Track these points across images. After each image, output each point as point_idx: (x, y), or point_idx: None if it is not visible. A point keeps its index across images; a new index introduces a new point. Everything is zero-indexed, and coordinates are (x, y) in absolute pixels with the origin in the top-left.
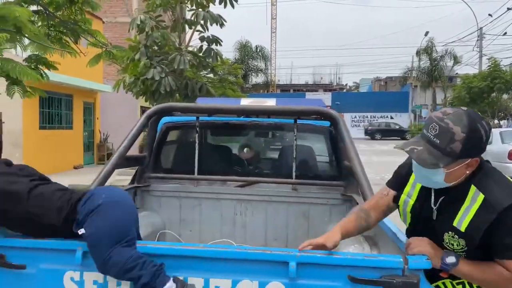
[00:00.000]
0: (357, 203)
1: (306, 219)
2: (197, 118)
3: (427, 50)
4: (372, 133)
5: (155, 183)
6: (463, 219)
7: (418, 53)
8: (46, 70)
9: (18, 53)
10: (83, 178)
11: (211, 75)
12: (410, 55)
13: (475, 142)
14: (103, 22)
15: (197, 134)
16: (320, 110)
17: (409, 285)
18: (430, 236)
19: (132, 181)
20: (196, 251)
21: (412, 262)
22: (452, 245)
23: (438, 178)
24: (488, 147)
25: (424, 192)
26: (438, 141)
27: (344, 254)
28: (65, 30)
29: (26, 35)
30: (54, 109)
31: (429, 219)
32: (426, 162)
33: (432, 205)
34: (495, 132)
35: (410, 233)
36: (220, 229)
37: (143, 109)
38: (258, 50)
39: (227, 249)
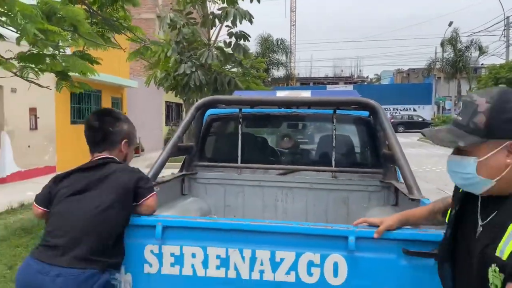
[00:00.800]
0: (396, 189)
1: (346, 205)
2: (240, 109)
3: (452, 41)
4: (394, 126)
5: (201, 171)
6: (506, 244)
7: (442, 44)
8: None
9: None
10: None
11: (235, 70)
12: (432, 46)
13: (508, 116)
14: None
15: (240, 125)
16: (361, 100)
17: None
18: (467, 272)
19: (181, 169)
20: (263, 226)
21: None
22: (496, 286)
23: (470, 169)
24: None
25: (467, 200)
26: (460, 118)
27: (400, 229)
28: (106, 27)
29: (81, 34)
30: (84, 104)
31: (467, 241)
32: (443, 140)
33: (478, 220)
34: None
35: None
36: (262, 215)
37: (168, 104)
38: (279, 43)
39: (292, 224)
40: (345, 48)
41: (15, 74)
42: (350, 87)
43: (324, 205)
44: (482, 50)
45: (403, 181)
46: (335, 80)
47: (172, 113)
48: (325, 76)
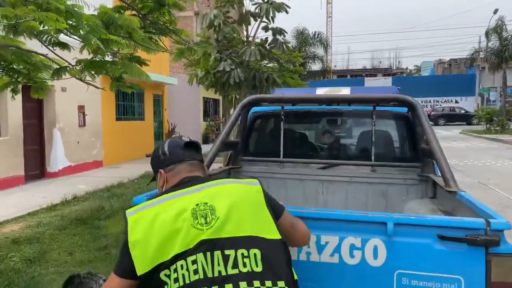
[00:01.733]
0: (434, 182)
1: (384, 198)
2: (282, 107)
3: (497, 29)
4: (435, 119)
5: (246, 165)
6: None
7: (487, 33)
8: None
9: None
10: None
11: (270, 65)
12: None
13: None
14: None
15: (282, 122)
16: (399, 97)
17: (491, 243)
18: None
19: (227, 164)
20: (309, 213)
21: (494, 224)
22: None
23: None
24: None
25: None
26: None
27: (434, 216)
28: (153, 30)
29: (136, 40)
30: (128, 101)
31: None
32: None
33: None
34: None
35: None
36: (304, 206)
37: (205, 100)
38: (315, 36)
39: (335, 212)
40: (383, 39)
41: (76, 78)
42: (388, 79)
43: (363, 197)
44: None
45: (440, 175)
46: (373, 72)
47: (210, 108)
48: (363, 68)
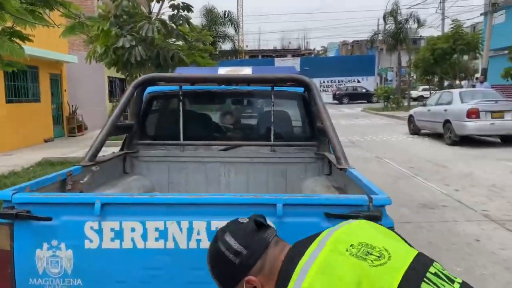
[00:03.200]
0: (329, 160)
1: (284, 177)
2: (180, 87)
3: (393, 13)
4: (340, 98)
5: (143, 150)
6: None
7: (384, 16)
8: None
9: None
10: (54, 151)
11: (179, 43)
12: (376, 18)
13: None
14: None
15: (180, 102)
16: (295, 77)
17: (373, 218)
18: None
19: (122, 148)
20: (199, 199)
21: (375, 200)
22: None
23: None
24: (449, 107)
25: None
26: None
27: (320, 195)
28: (37, 2)
29: (8, 11)
30: (20, 81)
31: None
32: None
33: None
34: (455, 92)
35: None
36: (206, 189)
37: (111, 79)
38: (226, 16)
39: (226, 196)
40: (292, 20)
41: None
42: (297, 60)
43: (264, 177)
44: (420, 23)
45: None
46: (284, 52)
47: (116, 88)
48: (273, 48)
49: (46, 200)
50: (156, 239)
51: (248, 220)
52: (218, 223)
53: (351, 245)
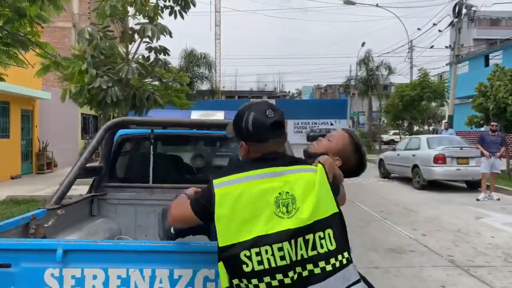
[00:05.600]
0: None
1: None
2: (152, 131)
3: (365, 60)
4: (313, 139)
5: (112, 192)
6: None
7: (359, 63)
8: None
9: None
10: (21, 189)
11: (156, 83)
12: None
13: None
14: (42, 27)
15: (151, 146)
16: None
17: None
18: None
19: (90, 190)
20: (162, 247)
21: None
22: None
23: None
24: (417, 152)
25: None
26: None
27: None
28: (12, 42)
29: None
30: None
31: None
32: None
33: None
34: (422, 138)
35: None
36: None
37: (84, 116)
38: (203, 58)
39: (191, 244)
40: (268, 64)
41: None
42: (273, 101)
43: None
44: (390, 70)
45: None
46: (259, 94)
47: (90, 125)
48: (250, 90)
49: (5, 246)
50: (118, 287)
51: (273, 115)
52: (182, 272)
53: (279, 193)
